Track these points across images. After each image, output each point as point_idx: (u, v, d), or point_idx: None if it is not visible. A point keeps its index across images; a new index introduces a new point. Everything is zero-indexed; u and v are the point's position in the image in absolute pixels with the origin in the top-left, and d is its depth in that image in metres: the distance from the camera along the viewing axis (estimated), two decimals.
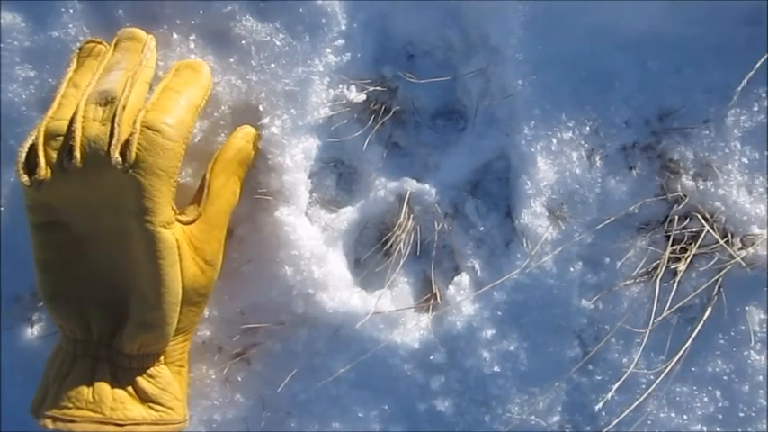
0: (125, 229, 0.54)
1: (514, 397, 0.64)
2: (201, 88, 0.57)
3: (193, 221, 0.57)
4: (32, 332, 0.67)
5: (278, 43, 0.63)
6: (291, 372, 0.64)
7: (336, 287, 0.63)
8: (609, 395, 0.60)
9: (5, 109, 0.64)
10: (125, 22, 0.64)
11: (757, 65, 0.60)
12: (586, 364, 0.64)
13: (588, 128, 0.64)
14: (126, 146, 0.52)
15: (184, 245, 0.55)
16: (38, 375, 0.57)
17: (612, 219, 0.63)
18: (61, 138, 0.53)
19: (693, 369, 0.64)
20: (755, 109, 0.63)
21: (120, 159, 0.51)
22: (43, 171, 0.52)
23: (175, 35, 0.63)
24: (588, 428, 0.64)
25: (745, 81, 0.60)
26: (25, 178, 0.53)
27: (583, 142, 0.64)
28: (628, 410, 0.62)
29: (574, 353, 0.64)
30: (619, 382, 0.60)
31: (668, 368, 0.62)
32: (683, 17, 0.64)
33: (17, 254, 0.66)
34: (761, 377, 0.63)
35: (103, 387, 0.55)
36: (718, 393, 0.64)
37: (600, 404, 0.61)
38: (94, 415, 0.54)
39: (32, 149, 0.53)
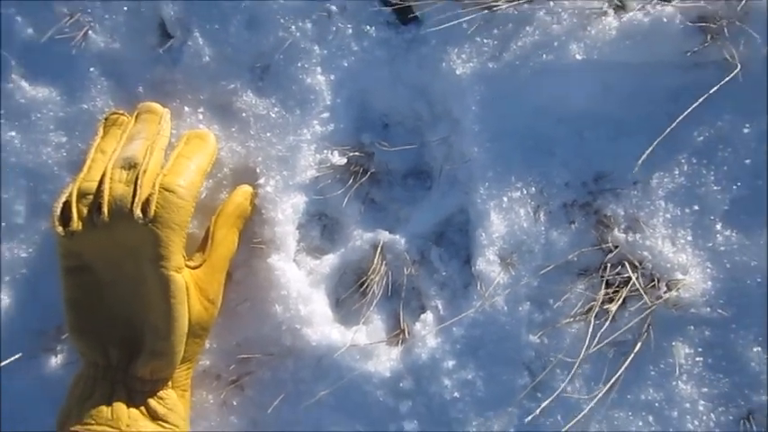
0: (142, 274, 0.61)
1: (473, 420, 0.69)
2: (208, 154, 0.65)
3: (199, 266, 0.64)
4: (56, 361, 0.73)
5: (273, 116, 0.71)
6: (279, 396, 0.70)
7: (319, 323, 0.70)
8: (538, 411, 0.66)
9: (40, 168, 0.73)
10: (144, 96, 0.72)
11: (663, 134, 0.68)
12: (535, 392, 0.69)
13: (534, 188, 0.71)
14: (146, 204, 0.59)
15: (192, 286, 0.63)
16: (59, 398, 0.63)
17: (554, 265, 0.69)
18: (91, 196, 0.61)
19: (629, 396, 0.69)
20: (676, 172, 0.70)
21: (141, 215, 0.59)
22: (75, 224, 0.60)
23: (186, 108, 0.72)
24: None
25: (651, 149, 0.66)
26: (60, 229, 0.61)
27: (529, 200, 0.71)
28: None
29: (524, 381, 0.69)
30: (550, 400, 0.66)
31: (602, 392, 0.67)
32: (615, 95, 0.71)
33: (43, 295, 0.73)
34: (687, 404, 0.68)
35: (120, 407, 0.61)
36: (651, 418, 0.69)
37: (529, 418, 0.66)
38: (112, 430, 0.60)
39: (66, 205, 0.61)
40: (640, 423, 0.70)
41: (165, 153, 0.65)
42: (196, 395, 0.71)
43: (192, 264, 0.64)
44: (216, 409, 0.72)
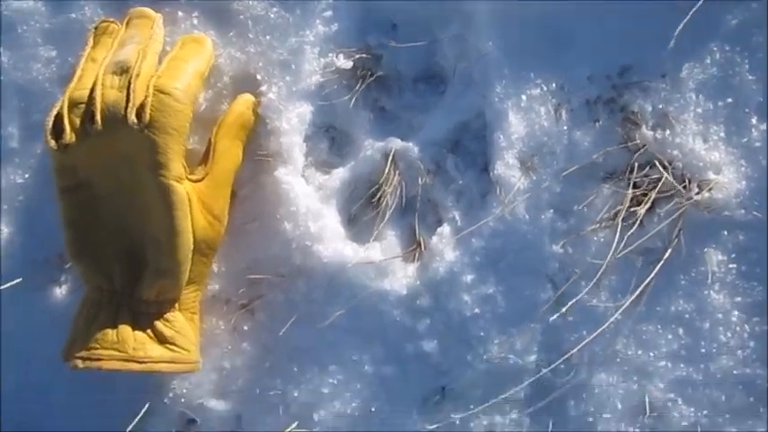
0: (141, 185, 0.59)
1: (494, 337, 0.67)
2: (205, 58, 0.63)
3: (201, 180, 0.62)
4: (61, 292, 0.71)
5: (272, 16, 0.68)
6: (291, 319, 0.68)
7: (331, 239, 0.68)
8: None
9: (30, 86, 0.70)
10: (135, 2, 0.68)
11: (689, 14, 0.65)
12: (558, 305, 0.67)
13: (554, 84, 0.68)
14: (141, 108, 0.57)
15: (194, 199, 0.61)
16: (66, 329, 0.62)
17: (578, 168, 0.66)
18: (83, 105, 0.59)
19: (658, 309, 0.67)
20: (708, 62, 0.68)
21: (135, 120, 0.57)
22: (68, 135, 0.58)
23: (180, 13, 0.69)
24: (562, 366, 0.67)
25: (678, 30, 0.64)
26: (53, 143, 0.59)
27: (550, 98, 0.68)
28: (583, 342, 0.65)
29: (547, 295, 0.68)
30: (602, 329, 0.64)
31: (629, 302, 0.65)
32: None
33: (43, 222, 0.71)
34: (720, 315, 0.67)
35: (126, 330, 0.60)
36: (681, 331, 0.67)
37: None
38: (119, 354, 0.59)
39: (58, 118, 0.59)
40: (670, 336, 0.68)
41: (159, 59, 0.63)
42: (206, 322, 0.70)
43: (193, 177, 0.62)
44: (227, 335, 0.70)
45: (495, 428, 0.68)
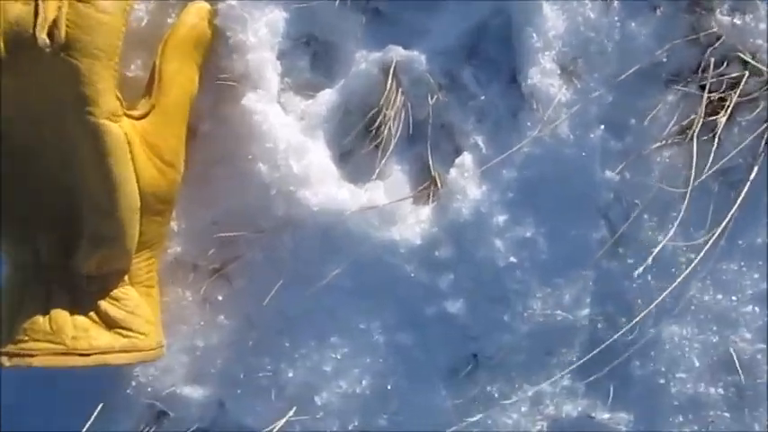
0: (68, 130, 0.53)
1: (535, 290, 0.64)
2: None
3: (145, 115, 0.56)
4: None
5: None
6: (278, 283, 0.63)
7: (320, 182, 0.63)
8: (639, 270, 0.60)
9: None
10: None
11: None
12: (616, 246, 0.63)
13: None
14: (54, 24, 0.50)
15: (137, 142, 0.54)
16: None
17: (635, 69, 0.61)
18: None
19: (740, 242, 0.64)
20: None
21: (47, 40, 0.50)
22: None
23: None
24: (623, 319, 0.64)
25: None
26: None
27: None
28: (666, 293, 0.61)
29: (600, 234, 0.64)
30: (650, 258, 0.60)
31: (710, 241, 0.61)
32: None
33: None
34: None
35: (61, 315, 0.55)
36: None
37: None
38: (55, 346, 0.54)
39: None
40: (756, 275, 0.64)
41: None
42: (169, 293, 0.65)
43: (135, 113, 0.55)
44: (197, 308, 0.65)
45: (543, 399, 0.66)
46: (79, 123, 0.52)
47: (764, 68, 0.61)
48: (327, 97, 0.65)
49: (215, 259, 0.64)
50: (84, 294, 0.56)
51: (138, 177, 0.54)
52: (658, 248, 0.61)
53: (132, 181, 0.54)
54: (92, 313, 0.56)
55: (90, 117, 0.51)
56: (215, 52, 0.61)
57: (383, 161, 0.64)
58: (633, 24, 0.63)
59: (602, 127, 0.63)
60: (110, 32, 0.51)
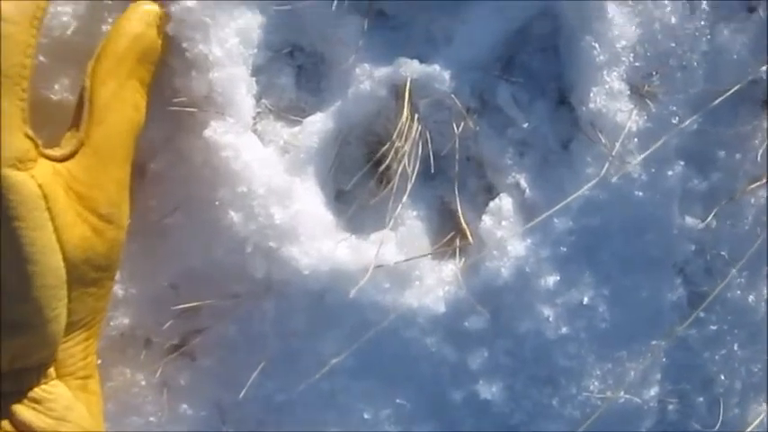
0: None
1: (593, 368, 0.58)
2: None
3: (72, 155, 0.46)
4: None
5: None
6: (259, 365, 0.54)
7: (312, 235, 0.54)
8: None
9: None
10: None
11: None
12: (695, 309, 0.57)
13: None
14: None
15: (60, 194, 0.45)
16: None
17: (732, 90, 0.53)
18: None
19: None
20: None
21: None
22: None
23: None
24: (701, 399, 0.58)
25: None
26: None
27: None
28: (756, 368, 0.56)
29: (676, 295, 0.57)
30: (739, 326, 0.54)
31: None
32: None
33: None
34: None
35: None
36: None
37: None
38: None
39: None
40: None
41: None
42: (114, 377, 0.57)
43: (57, 152, 0.46)
44: (152, 394, 0.57)
45: None
46: None
47: None
48: (319, 125, 0.56)
49: (174, 333, 0.56)
50: None
51: (63, 242, 0.45)
52: (750, 313, 0.55)
53: (52, 250, 0.45)
54: (4, 423, 0.47)
55: None
56: (168, 67, 0.52)
57: (397, 206, 0.55)
58: (725, 31, 0.56)
59: (682, 162, 0.56)
60: (12, 49, 0.42)
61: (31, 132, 0.44)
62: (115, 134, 0.48)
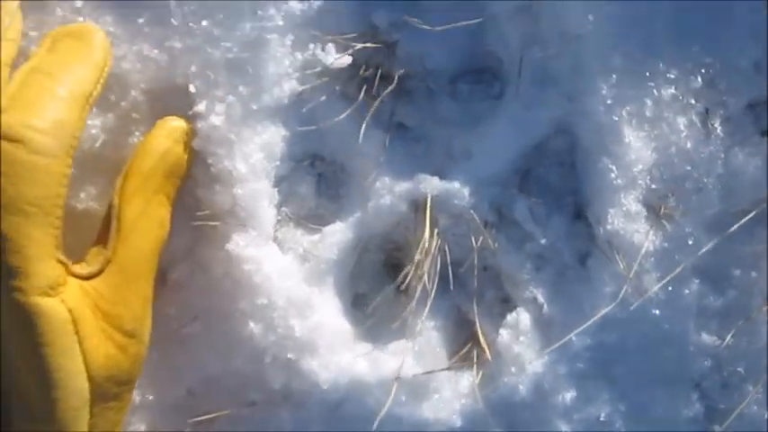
0: None
1: None
2: (92, 67, 0.47)
3: (98, 273, 0.46)
4: None
5: None
6: None
7: (331, 347, 0.54)
8: None
9: None
10: None
11: None
12: (711, 424, 0.56)
13: (699, 78, 0.56)
14: None
15: (86, 315, 0.45)
16: None
17: (741, 210, 0.53)
18: None
19: None
20: None
21: None
22: None
23: None
24: None
25: None
26: None
27: (692, 101, 0.56)
28: None
29: (693, 411, 0.57)
30: None
31: None
32: None
33: None
34: None
35: None
36: None
37: None
38: None
39: None
40: None
41: (11, 70, 0.47)
42: None
43: (84, 271, 0.46)
44: None
45: None
46: (4, 303, 0.42)
47: None
48: (339, 235, 0.56)
49: None
50: None
51: (90, 364, 0.45)
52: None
53: (79, 374, 0.45)
54: None
55: (17, 295, 0.42)
56: (192, 180, 0.53)
57: (417, 322, 0.55)
58: (740, 155, 0.56)
59: (698, 280, 0.56)
60: (47, 181, 0.43)
61: (62, 257, 0.44)
62: (141, 252, 0.49)
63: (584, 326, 0.53)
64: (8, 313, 0.43)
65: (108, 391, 0.47)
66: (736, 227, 0.55)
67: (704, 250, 0.56)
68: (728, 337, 0.56)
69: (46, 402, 0.45)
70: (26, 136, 0.43)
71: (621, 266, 0.54)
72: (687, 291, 0.56)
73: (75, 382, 0.45)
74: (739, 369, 0.56)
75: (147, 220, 0.49)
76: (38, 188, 0.43)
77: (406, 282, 0.56)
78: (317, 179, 0.59)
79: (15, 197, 0.42)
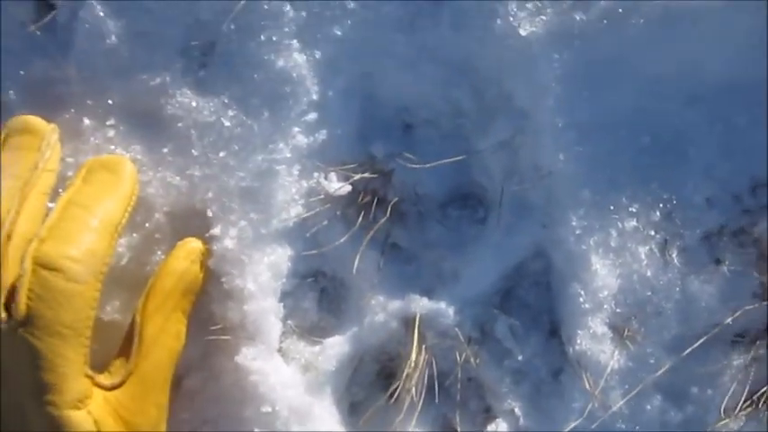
0: (23, 416, 0.46)
1: None
2: (122, 198, 0.50)
3: (121, 384, 0.49)
4: None
5: (227, 123, 0.57)
6: None
7: None
8: None
9: None
10: (17, 107, 0.58)
11: None
12: None
13: (658, 212, 0.59)
14: (11, 295, 0.44)
15: (110, 423, 0.48)
16: None
17: (704, 338, 0.55)
18: None
19: None
20: None
21: (3, 315, 0.44)
22: None
23: (87, 121, 0.57)
24: None
25: None
26: None
27: (652, 232, 0.59)
28: None
29: None
30: None
31: None
32: None
33: None
34: None
35: None
36: None
37: None
38: None
39: None
40: None
41: (52, 199, 0.51)
42: None
43: (108, 382, 0.49)
44: None
45: None
46: (36, 413, 0.45)
47: None
48: (337, 348, 0.59)
49: None
50: None
51: None
52: None
53: None
54: None
55: (50, 408, 0.44)
56: (207, 296, 0.56)
57: (403, 426, 0.57)
58: (695, 282, 0.58)
59: (659, 396, 0.58)
60: (80, 306, 0.45)
61: (90, 372, 0.47)
62: (160, 365, 0.51)
63: None
64: (41, 424, 0.45)
65: None
66: (691, 349, 0.56)
67: (663, 369, 0.57)
68: None
69: None
70: (64, 265, 0.45)
71: (588, 384, 0.55)
72: (649, 406, 0.57)
73: None
74: None
75: (165, 336, 0.52)
76: (72, 312, 0.45)
77: (396, 394, 0.57)
78: (320, 295, 0.61)
79: (53, 320, 0.44)
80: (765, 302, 0.58)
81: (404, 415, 0.57)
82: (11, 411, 0.47)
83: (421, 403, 0.58)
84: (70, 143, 0.57)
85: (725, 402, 0.57)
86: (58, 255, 0.45)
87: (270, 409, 0.56)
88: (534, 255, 0.61)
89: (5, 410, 0.47)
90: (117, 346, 0.52)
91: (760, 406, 0.57)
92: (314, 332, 0.61)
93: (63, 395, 0.45)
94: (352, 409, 0.60)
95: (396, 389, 0.58)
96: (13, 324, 0.44)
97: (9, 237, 0.46)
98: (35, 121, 0.52)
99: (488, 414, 0.60)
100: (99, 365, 0.51)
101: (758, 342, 0.57)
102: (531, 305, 0.61)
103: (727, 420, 0.56)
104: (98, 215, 0.48)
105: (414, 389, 0.57)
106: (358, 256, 0.59)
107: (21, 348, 0.44)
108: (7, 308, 0.44)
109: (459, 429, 0.59)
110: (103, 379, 0.49)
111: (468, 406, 0.60)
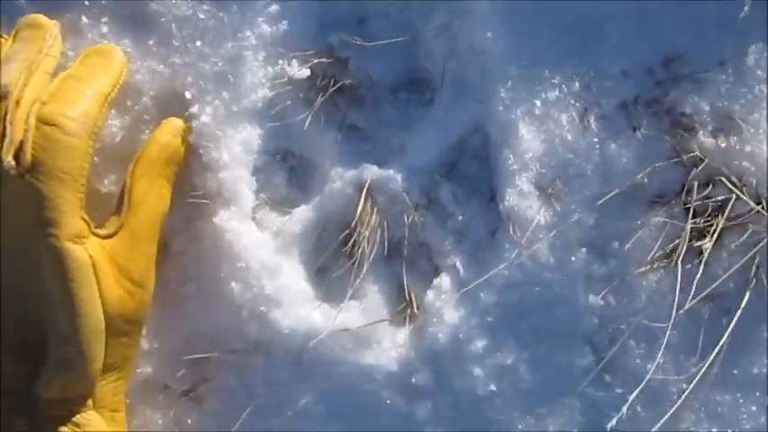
0: (35, 253, 0.53)
1: (518, 420, 0.63)
2: (111, 75, 0.57)
3: (114, 234, 0.56)
4: None
5: (202, 16, 0.63)
6: (248, 408, 0.63)
7: (293, 303, 0.62)
8: (625, 408, 0.58)
9: None
10: (28, 10, 0.62)
11: None
12: (602, 374, 0.62)
13: (578, 83, 0.63)
14: (20, 146, 0.51)
15: (104, 263, 0.54)
16: None
17: (617, 192, 0.61)
18: None
19: (735, 372, 0.62)
20: None
21: (13, 163, 0.51)
22: None
23: (85, 19, 0.63)
24: None
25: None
26: None
27: (573, 101, 0.63)
28: (656, 427, 0.59)
29: (586, 361, 0.62)
30: (636, 390, 0.58)
31: (701, 371, 0.59)
32: None
33: None
34: None
35: None
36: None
37: (614, 421, 0.58)
38: None
39: None
40: (753, 407, 0.63)
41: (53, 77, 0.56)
42: (139, 414, 0.64)
43: (103, 232, 0.55)
44: (166, 431, 0.64)
45: None
46: (42, 246, 0.51)
47: (747, 199, 0.61)
48: (303, 215, 0.65)
49: (185, 380, 0.64)
50: (44, 420, 0.55)
51: (105, 300, 0.54)
52: (646, 379, 0.59)
53: (96, 305, 0.53)
54: None
55: (52, 240, 0.51)
56: (188, 168, 0.62)
57: (357, 281, 0.63)
58: (613, 146, 0.63)
59: (584, 250, 0.63)
60: (75, 155, 0.52)
61: (85, 216, 0.53)
62: (147, 220, 0.58)
63: (482, 278, 0.60)
64: (47, 256, 0.52)
65: (119, 327, 0.55)
66: (605, 200, 0.61)
67: (578, 218, 0.62)
68: (603, 293, 0.61)
69: (71, 325, 0.53)
70: (60, 121, 0.52)
71: (516, 235, 0.61)
72: (574, 258, 0.62)
73: (93, 311, 0.53)
74: (622, 327, 0.62)
75: (151, 196, 0.58)
76: (69, 161, 0.52)
77: (353, 249, 0.63)
78: (288, 171, 0.67)
79: (54, 167, 0.51)
80: (676, 161, 0.62)
81: (358, 273, 0.63)
82: (27, 255, 0.53)
83: (374, 260, 0.64)
84: (71, 40, 0.62)
85: (648, 256, 0.62)
86: (57, 113, 0.52)
87: (244, 265, 0.61)
88: (474, 130, 0.65)
89: (23, 255, 0.53)
90: (110, 210, 0.57)
91: (672, 259, 0.61)
92: (284, 204, 0.66)
93: (62, 229, 0.51)
94: (317, 273, 0.66)
95: (351, 246, 0.63)
96: (21, 171, 0.50)
97: (18, 102, 0.52)
98: (40, 18, 0.58)
99: (435, 273, 0.65)
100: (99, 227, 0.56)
101: (673, 202, 0.62)
102: (472, 175, 0.66)
103: (645, 269, 0.61)
104: (92, 86, 0.55)
105: (365, 245, 0.62)
106: (313, 127, 0.64)
107: (28, 191, 0.51)
108: (17, 158, 0.51)
109: (405, 284, 0.64)
110: (100, 230, 0.54)
111: (416, 266, 0.65)
